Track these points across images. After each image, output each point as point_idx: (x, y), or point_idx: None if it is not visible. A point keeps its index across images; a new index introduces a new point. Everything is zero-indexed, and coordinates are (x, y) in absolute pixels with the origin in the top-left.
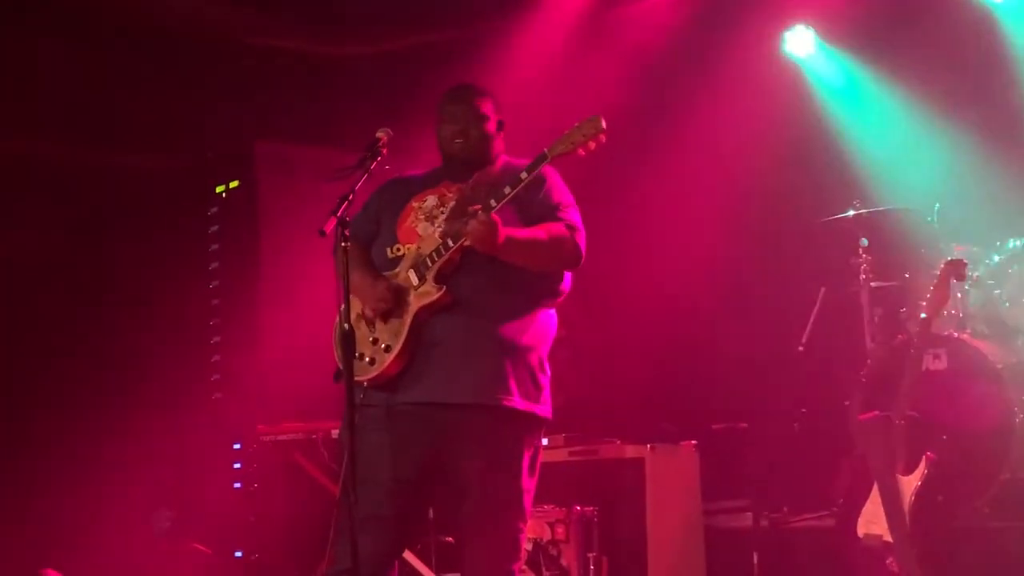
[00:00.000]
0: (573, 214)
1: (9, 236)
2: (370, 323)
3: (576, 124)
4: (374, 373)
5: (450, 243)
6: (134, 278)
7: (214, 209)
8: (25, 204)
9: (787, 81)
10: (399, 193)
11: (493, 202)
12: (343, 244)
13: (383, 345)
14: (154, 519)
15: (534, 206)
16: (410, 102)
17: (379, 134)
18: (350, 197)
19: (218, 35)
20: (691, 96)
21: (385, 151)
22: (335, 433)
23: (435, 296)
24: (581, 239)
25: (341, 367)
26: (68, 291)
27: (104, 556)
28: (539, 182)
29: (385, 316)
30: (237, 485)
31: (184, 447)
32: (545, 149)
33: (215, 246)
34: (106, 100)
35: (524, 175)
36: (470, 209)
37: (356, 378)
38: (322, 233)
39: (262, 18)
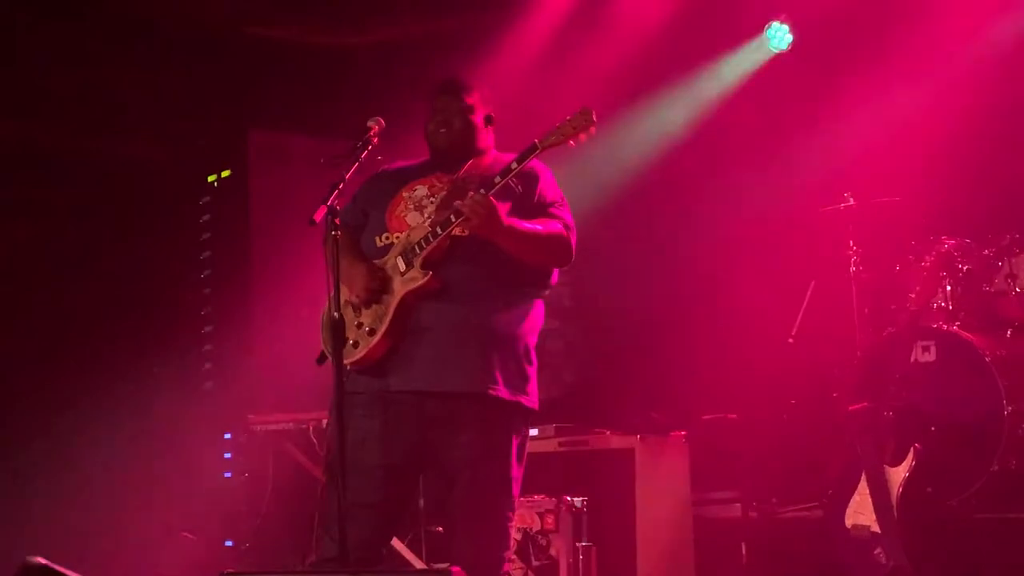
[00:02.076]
0: (567, 213)
1: None
2: (356, 308)
3: (567, 117)
4: (358, 356)
5: (439, 231)
6: (125, 267)
7: (206, 198)
8: (15, 191)
9: (775, 73)
10: (389, 183)
11: (483, 190)
12: (333, 232)
13: (367, 328)
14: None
15: (528, 202)
16: (403, 92)
17: (370, 123)
18: (340, 186)
19: (212, 23)
20: (683, 86)
21: (376, 140)
22: (326, 423)
23: (421, 281)
24: (573, 238)
25: (327, 352)
26: (59, 278)
27: (94, 545)
28: (533, 179)
29: (371, 301)
30: (228, 474)
31: (175, 436)
32: (536, 140)
33: (207, 235)
34: (98, 88)
35: (514, 165)
36: (469, 193)
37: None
38: (312, 222)
39: (256, 6)
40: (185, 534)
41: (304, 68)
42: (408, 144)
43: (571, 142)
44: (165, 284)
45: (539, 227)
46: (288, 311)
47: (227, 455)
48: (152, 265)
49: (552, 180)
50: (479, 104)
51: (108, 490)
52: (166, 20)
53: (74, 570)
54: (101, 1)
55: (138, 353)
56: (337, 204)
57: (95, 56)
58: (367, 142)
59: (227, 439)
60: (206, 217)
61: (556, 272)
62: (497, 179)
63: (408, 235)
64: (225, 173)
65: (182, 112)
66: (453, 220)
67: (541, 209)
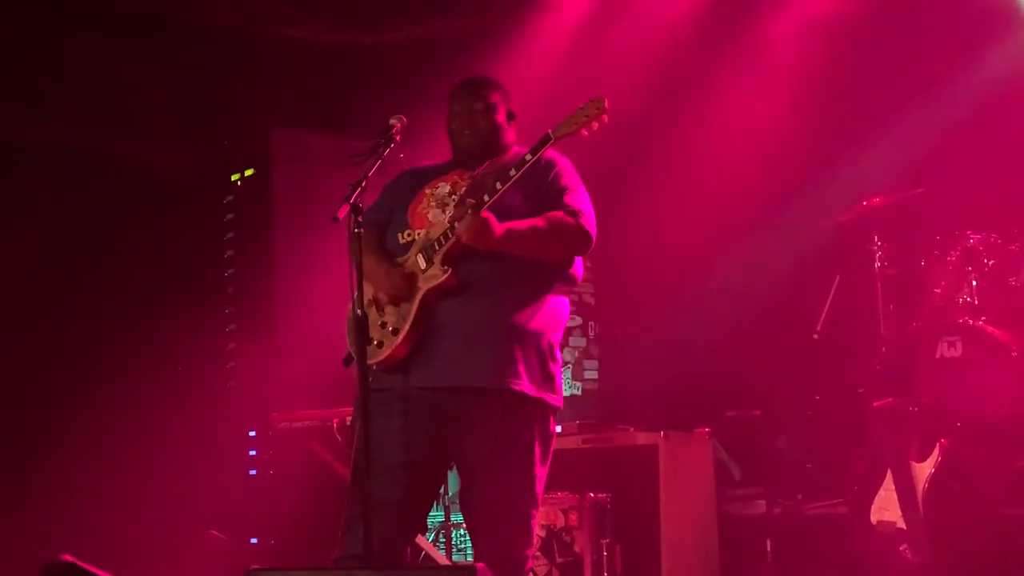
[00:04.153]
0: (580, 198)
1: (24, 223)
2: (380, 307)
3: (580, 106)
4: (383, 356)
5: (457, 227)
6: (149, 265)
7: (229, 197)
8: (40, 191)
9: (805, 62)
10: (413, 181)
11: (486, 197)
12: (356, 231)
13: (391, 328)
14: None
15: (541, 191)
16: (425, 90)
17: (392, 121)
18: (363, 184)
19: (234, 23)
20: (707, 83)
21: (398, 138)
22: (350, 420)
23: (441, 278)
24: (587, 222)
25: (352, 352)
26: (84, 278)
27: (121, 543)
28: (548, 167)
29: (397, 301)
30: (252, 472)
31: (199, 434)
32: (549, 131)
33: (230, 234)
34: (122, 88)
35: (528, 157)
36: (467, 201)
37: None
38: (335, 220)
39: (278, 6)
40: (212, 532)
41: (326, 67)
42: (431, 141)
43: (584, 131)
44: (188, 283)
45: (539, 222)
46: (311, 309)
47: (252, 453)
48: (175, 264)
49: (569, 168)
50: (500, 102)
51: (134, 488)
52: (188, 20)
53: (100, 568)
54: (124, 2)
55: (163, 352)
56: (360, 202)
57: (118, 57)
58: (389, 140)
59: (252, 437)
60: (229, 216)
61: (580, 268)
62: (512, 172)
63: (427, 232)
64: (248, 172)
65: (205, 111)
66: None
67: (554, 196)
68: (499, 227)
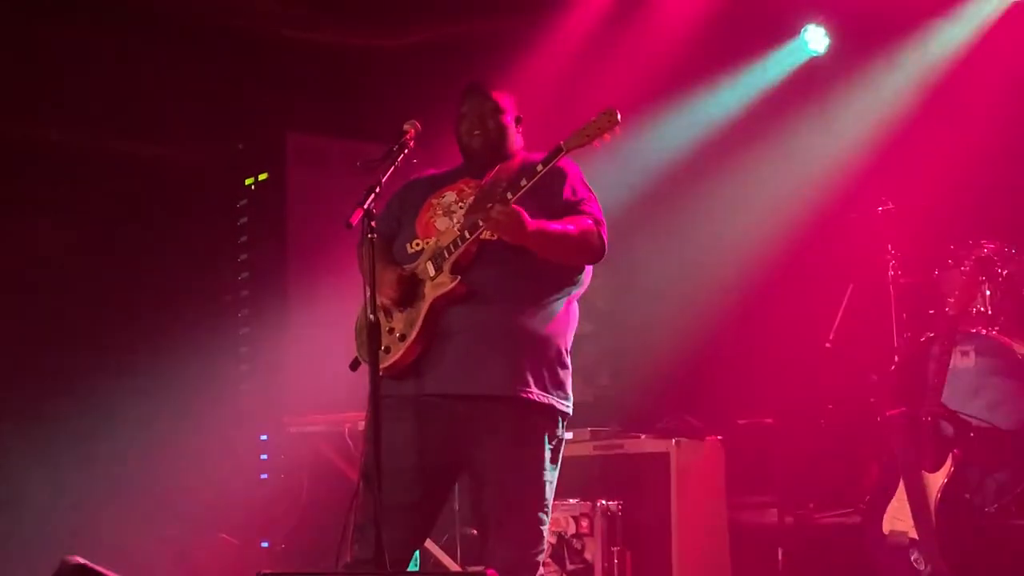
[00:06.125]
0: (596, 208)
1: (38, 225)
2: (387, 313)
3: (592, 118)
4: (389, 362)
5: (467, 235)
6: (163, 269)
7: (243, 201)
8: (54, 193)
9: (813, 74)
10: (419, 191)
11: (509, 195)
12: (369, 236)
13: (398, 334)
14: None
15: (556, 200)
16: (439, 94)
17: (406, 127)
18: (377, 189)
19: (249, 27)
20: (716, 90)
21: (412, 143)
22: (361, 424)
23: (450, 286)
24: (605, 232)
25: (360, 357)
26: (97, 281)
27: (132, 546)
28: (560, 176)
29: (402, 306)
30: (264, 476)
31: (211, 437)
32: (561, 142)
33: (244, 238)
34: (136, 91)
35: (540, 167)
36: (487, 205)
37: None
38: (348, 225)
39: (294, 10)
40: (223, 535)
41: (342, 71)
42: (445, 147)
43: (596, 143)
44: (202, 286)
45: (570, 226)
46: (324, 313)
47: (263, 456)
48: (189, 268)
49: (580, 176)
50: (508, 105)
51: (144, 491)
52: (204, 22)
53: (111, 570)
54: (141, 4)
55: (175, 355)
56: (373, 208)
57: (133, 59)
58: (403, 145)
59: (263, 440)
60: (243, 220)
61: (589, 272)
62: (523, 182)
63: (437, 240)
64: (262, 176)
65: (220, 115)
66: (481, 225)
67: (570, 206)
68: (531, 222)
